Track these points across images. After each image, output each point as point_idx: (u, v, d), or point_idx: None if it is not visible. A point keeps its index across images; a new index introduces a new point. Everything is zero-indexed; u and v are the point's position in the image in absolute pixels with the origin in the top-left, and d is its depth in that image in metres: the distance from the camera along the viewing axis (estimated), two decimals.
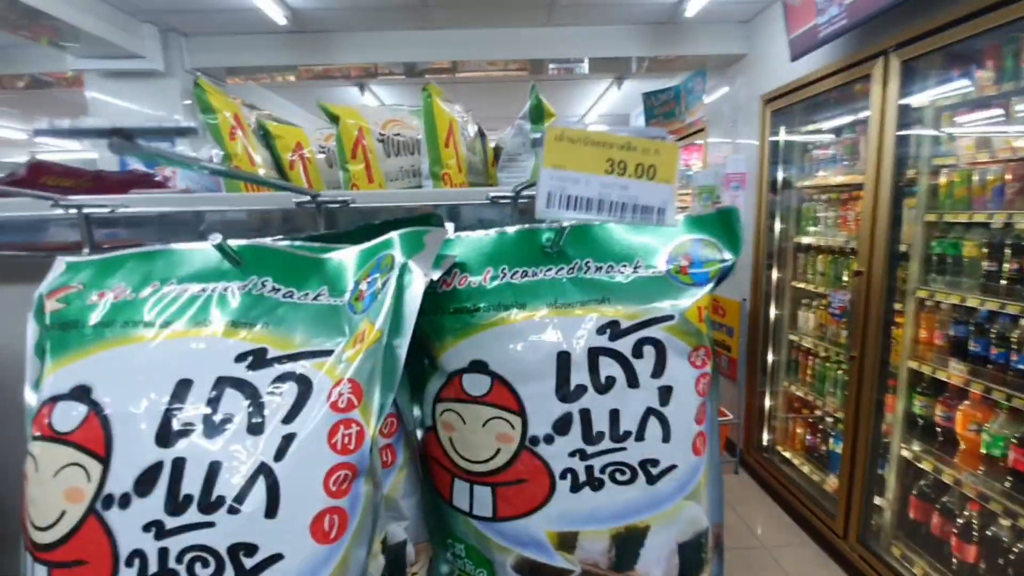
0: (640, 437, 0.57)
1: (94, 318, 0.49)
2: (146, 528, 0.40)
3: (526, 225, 0.62)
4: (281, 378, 0.45)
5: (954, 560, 2.70)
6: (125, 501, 0.41)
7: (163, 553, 0.40)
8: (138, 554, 0.40)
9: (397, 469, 0.56)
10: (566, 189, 0.48)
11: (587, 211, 0.49)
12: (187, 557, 0.40)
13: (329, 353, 0.46)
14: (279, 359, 0.46)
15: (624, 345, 0.56)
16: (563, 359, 0.56)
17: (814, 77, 3.31)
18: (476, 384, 0.57)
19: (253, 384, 0.44)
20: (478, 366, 0.57)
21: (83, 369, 0.46)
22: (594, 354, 0.56)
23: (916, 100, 2.76)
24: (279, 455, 0.42)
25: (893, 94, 2.76)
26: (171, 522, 0.40)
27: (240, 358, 0.46)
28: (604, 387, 0.56)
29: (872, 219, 2.95)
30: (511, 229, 0.62)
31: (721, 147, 4.50)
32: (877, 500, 3.26)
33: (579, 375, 0.56)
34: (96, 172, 1.10)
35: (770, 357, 4.34)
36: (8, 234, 0.94)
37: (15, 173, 0.97)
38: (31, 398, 0.48)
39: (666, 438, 0.57)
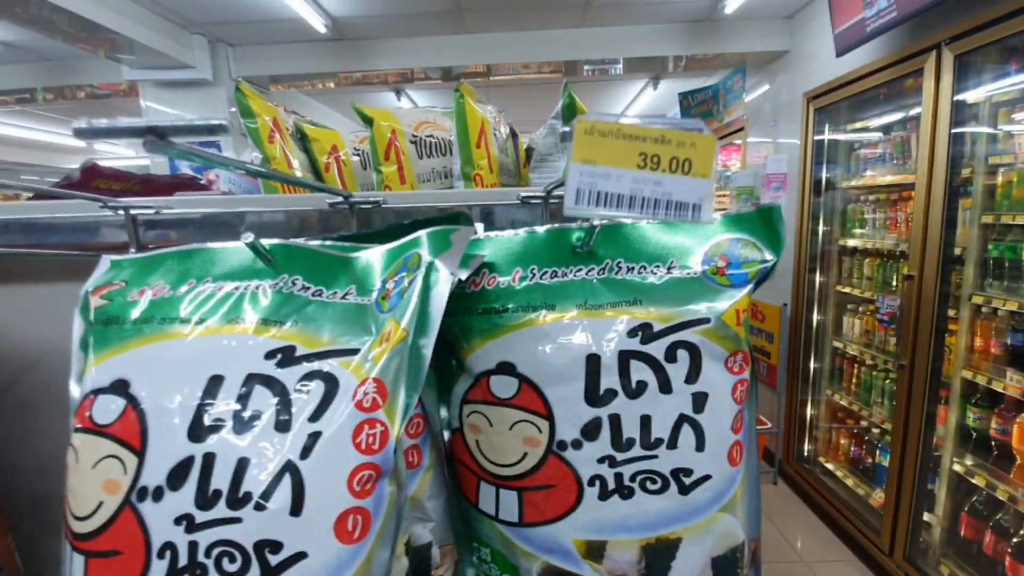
0: (672, 445, 0.54)
1: (134, 314, 0.50)
2: (177, 521, 0.41)
3: (556, 224, 0.61)
4: (308, 376, 0.45)
5: None
6: (158, 494, 0.42)
7: (193, 547, 0.41)
8: (169, 547, 0.41)
9: (423, 470, 0.56)
10: (596, 185, 0.46)
11: (618, 208, 0.47)
12: (215, 552, 0.40)
13: (356, 352, 0.46)
14: (307, 357, 0.46)
15: (656, 349, 0.54)
16: (593, 362, 0.55)
17: (861, 73, 3.18)
18: (503, 386, 0.56)
19: (281, 381, 0.45)
20: (506, 368, 0.56)
21: (122, 364, 0.47)
22: (625, 357, 0.54)
23: (971, 96, 2.61)
24: (305, 453, 0.42)
25: (946, 90, 2.62)
26: (201, 516, 0.41)
27: (270, 355, 0.46)
28: (635, 392, 0.54)
29: (924, 221, 2.81)
30: (541, 229, 0.61)
31: (761, 147, 4.38)
32: (926, 516, 3.11)
33: (609, 379, 0.55)
34: (145, 176, 1.15)
35: (812, 364, 4.19)
36: (63, 235, 0.99)
37: (70, 176, 1.02)
38: (75, 391, 0.50)
39: (700, 447, 0.55)
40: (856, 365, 3.67)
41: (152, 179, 1.17)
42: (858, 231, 3.64)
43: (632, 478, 0.54)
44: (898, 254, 3.34)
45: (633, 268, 0.58)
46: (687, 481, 0.55)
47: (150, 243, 0.95)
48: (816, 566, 3.41)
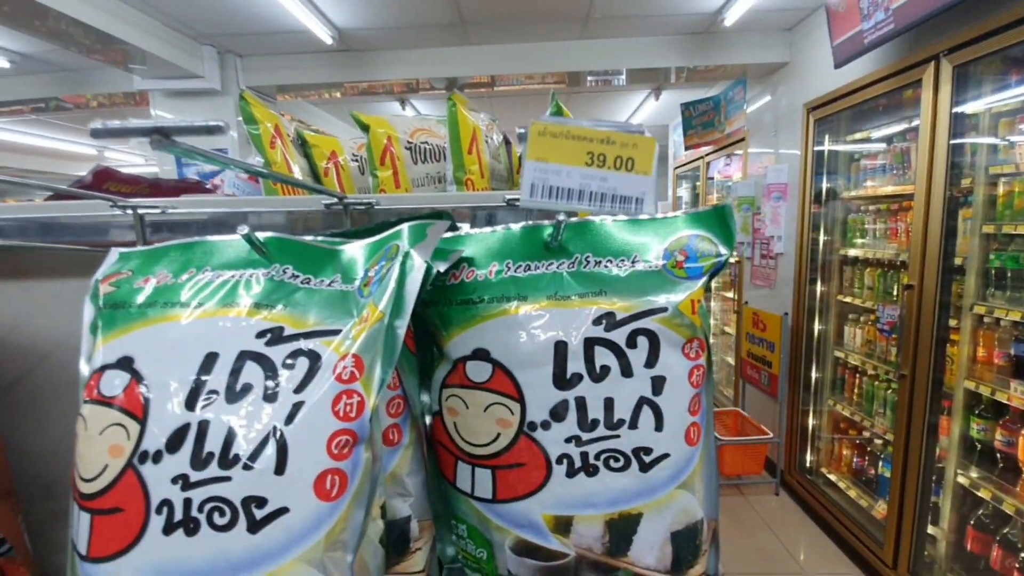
0: (633, 425, 0.58)
1: (139, 299, 0.55)
2: (174, 481, 0.46)
3: (530, 222, 0.65)
4: (294, 353, 0.50)
5: None
6: (158, 457, 0.47)
7: (187, 503, 0.45)
8: (166, 503, 0.46)
9: (403, 448, 0.60)
10: (548, 180, 0.51)
11: (568, 201, 0.52)
12: (207, 507, 0.45)
13: (337, 332, 0.51)
14: (294, 336, 0.51)
15: (619, 335, 0.59)
16: (560, 348, 0.59)
17: (860, 84, 3.21)
18: (478, 371, 0.61)
19: (270, 358, 0.50)
20: (481, 354, 0.61)
21: (128, 343, 0.52)
22: (590, 344, 0.59)
23: (970, 107, 2.63)
24: (289, 420, 0.47)
25: (945, 101, 2.65)
26: (195, 476, 0.46)
27: (260, 335, 0.51)
28: (599, 376, 0.59)
29: (923, 231, 2.82)
30: (516, 226, 0.65)
31: (762, 157, 4.41)
32: (930, 529, 3.08)
33: (575, 364, 0.59)
34: (153, 180, 1.21)
35: (813, 374, 4.19)
36: (75, 233, 1.05)
37: (83, 180, 1.08)
38: (84, 368, 0.55)
39: (659, 427, 0.59)
40: (858, 375, 3.67)
41: (160, 183, 1.23)
42: (859, 241, 3.66)
43: (597, 456, 0.58)
44: (899, 264, 3.35)
45: (600, 262, 0.62)
46: (647, 459, 0.58)
47: (156, 243, 1.00)
48: None
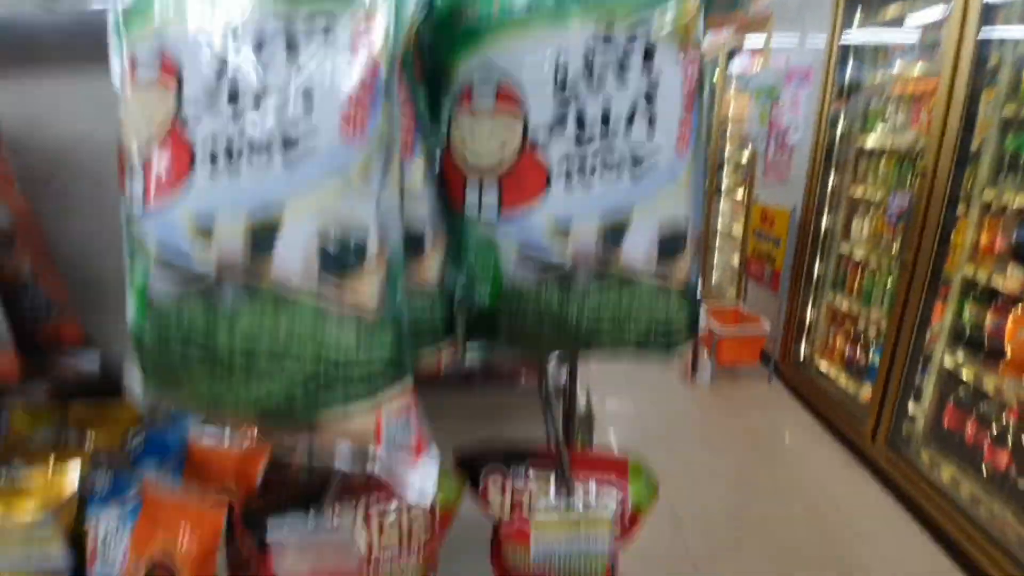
0: (628, 133, 0.63)
1: (156, 4, 0.58)
2: (213, 134, 0.52)
3: None
4: (312, 13, 0.54)
5: (984, 467, 2.71)
6: (196, 119, 0.53)
7: (228, 150, 0.52)
8: (210, 152, 0.52)
9: (416, 159, 0.66)
10: None
11: None
12: (246, 150, 0.52)
13: None
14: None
15: (617, 46, 0.62)
16: (562, 65, 0.63)
17: None
18: (483, 94, 0.65)
19: (291, 24, 0.54)
20: (485, 77, 0.65)
21: (153, 34, 0.56)
22: (589, 58, 0.62)
23: None
24: (311, 69, 0.52)
25: None
26: (231, 128, 0.52)
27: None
28: (597, 87, 0.63)
29: (944, 115, 2.75)
30: None
31: (785, 46, 4.19)
32: (911, 408, 3.26)
33: (575, 76, 0.63)
34: None
35: (816, 269, 4.24)
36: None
37: None
38: (115, 64, 0.59)
39: (651, 134, 0.64)
40: (860, 269, 3.72)
41: None
42: (879, 127, 3.56)
43: (593, 167, 0.64)
44: (915, 154, 3.29)
45: None
46: (639, 166, 0.64)
47: None
48: (801, 452, 3.62)
